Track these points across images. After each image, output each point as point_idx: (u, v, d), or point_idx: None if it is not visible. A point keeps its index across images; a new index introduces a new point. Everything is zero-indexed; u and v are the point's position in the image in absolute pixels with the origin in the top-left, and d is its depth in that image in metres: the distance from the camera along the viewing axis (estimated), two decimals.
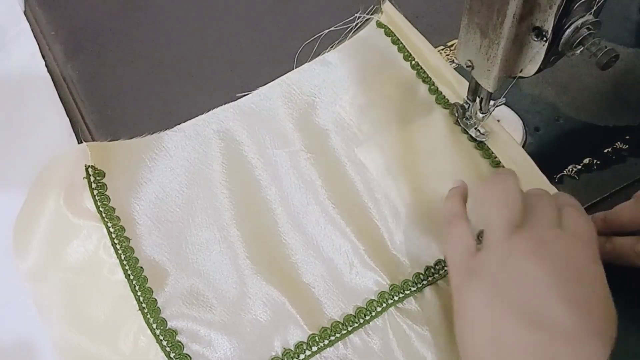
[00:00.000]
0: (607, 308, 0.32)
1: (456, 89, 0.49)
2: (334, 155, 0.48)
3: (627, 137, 0.48)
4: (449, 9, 0.55)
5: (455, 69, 0.50)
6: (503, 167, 0.46)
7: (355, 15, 0.53)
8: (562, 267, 0.32)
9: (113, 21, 0.59)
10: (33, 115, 0.53)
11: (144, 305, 0.41)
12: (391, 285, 0.42)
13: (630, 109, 0.49)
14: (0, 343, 0.43)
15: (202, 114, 0.50)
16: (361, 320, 0.41)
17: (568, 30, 0.35)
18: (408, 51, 0.52)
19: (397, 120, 0.49)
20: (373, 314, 0.41)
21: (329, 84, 0.51)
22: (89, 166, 0.46)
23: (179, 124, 0.49)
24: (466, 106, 0.46)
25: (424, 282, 0.42)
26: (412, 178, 0.46)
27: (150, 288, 0.42)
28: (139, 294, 0.42)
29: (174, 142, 0.49)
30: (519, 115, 0.49)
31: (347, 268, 0.43)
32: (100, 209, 0.45)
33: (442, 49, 0.53)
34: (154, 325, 0.41)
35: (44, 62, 0.56)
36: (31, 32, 0.58)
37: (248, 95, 0.51)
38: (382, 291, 0.42)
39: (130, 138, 0.48)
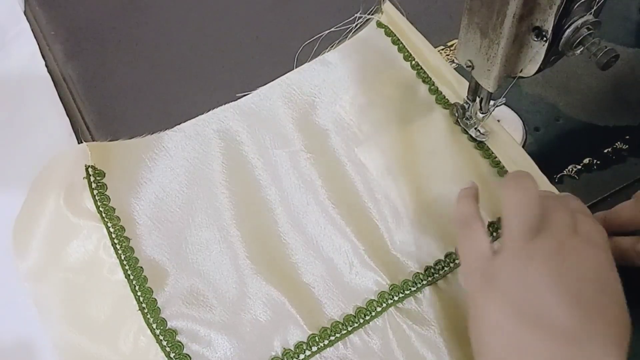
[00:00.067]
0: (624, 315, 0.32)
1: (456, 89, 0.49)
2: (334, 155, 0.48)
3: (627, 137, 0.48)
4: (449, 9, 0.55)
5: (455, 69, 0.50)
6: (503, 167, 0.46)
7: (356, 15, 0.53)
8: (582, 275, 0.32)
9: (113, 21, 0.59)
10: (33, 115, 0.53)
11: (144, 305, 0.41)
12: (391, 285, 0.42)
13: (630, 109, 0.49)
14: (0, 343, 0.43)
15: (202, 114, 0.50)
16: (361, 320, 0.41)
17: (568, 30, 0.35)
18: (408, 51, 0.52)
19: (397, 120, 0.49)
20: (373, 314, 0.41)
21: (329, 84, 0.51)
22: (89, 166, 0.46)
23: (179, 124, 0.49)
24: (466, 106, 0.46)
25: (424, 282, 0.42)
26: (412, 178, 0.46)
27: (150, 288, 0.42)
28: (139, 294, 0.42)
29: (174, 142, 0.49)
30: (519, 115, 0.49)
31: (347, 268, 0.43)
32: (100, 209, 0.45)
33: (442, 49, 0.53)
34: (154, 325, 0.41)
35: (44, 62, 0.56)
36: (31, 32, 0.58)
37: (248, 95, 0.51)
38: (382, 291, 0.42)
39: (130, 138, 0.48)
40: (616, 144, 0.47)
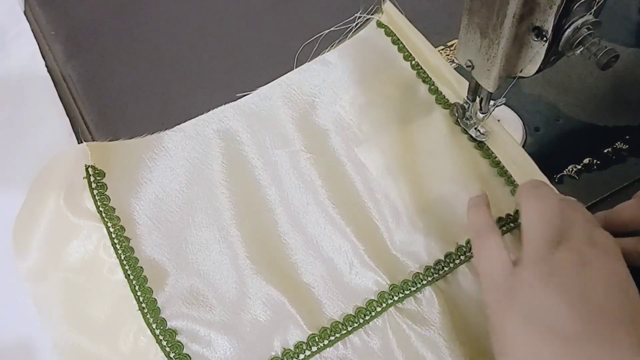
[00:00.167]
0: None
1: (456, 89, 0.49)
2: (334, 155, 0.48)
3: (627, 137, 0.48)
4: (449, 9, 0.55)
5: (455, 69, 0.50)
6: (503, 167, 0.46)
7: (356, 15, 0.53)
8: (605, 287, 0.32)
9: (113, 21, 0.59)
10: (33, 115, 0.53)
11: (143, 305, 0.41)
12: (391, 285, 0.42)
13: (630, 109, 0.49)
14: (0, 343, 0.43)
15: (202, 114, 0.50)
16: (361, 320, 0.41)
17: (568, 30, 0.35)
18: (408, 51, 0.52)
19: (397, 120, 0.49)
20: (373, 314, 0.41)
21: (329, 84, 0.51)
22: (89, 166, 0.46)
23: (179, 124, 0.49)
24: (466, 106, 0.46)
25: (424, 282, 0.42)
26: (412, 178, 0.46)
27: (150, 288, 0.42)
28: (138, 294, 0.42)
29: (174, 142, 0.49)
30: (519, 115, 0.49)
31: (347, 268, 0.43)
32: (100, 208, 0.45)
33: (442, 49, 0.53)
34: (154, 325, 0.41)
35: (44, 62, 0.56)
36: (31, 32, 0.58)
37: (248, 95, 0.51)
38: (381, 291, 0.42)
39: (130, 138, 0.48)
40: (616, 144, 0.47)
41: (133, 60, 0.56)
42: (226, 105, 0.50)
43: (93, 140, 0.50)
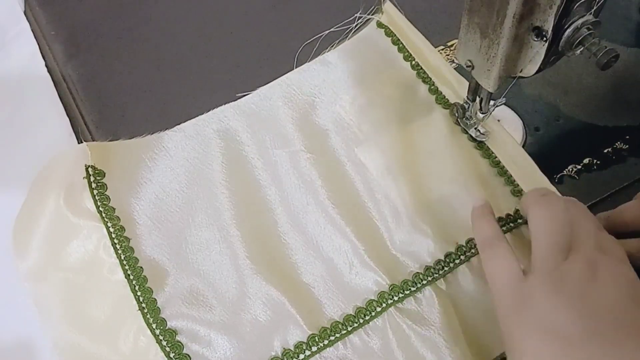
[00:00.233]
0: None
1: (456, 89, 0.49)
2: (334, 155, 0.48)
3: (627, 137, 0.48)
4: (449, 9, 0.55)
5: (455, 69, 0.50)
6: (503, 167, 0.46)
7: (356, 15, 0.53)
8: (617, 295, 0.32)
9: (113, 21, 0.59)
10: (33, 115, 0.53)
11: (143, 305, 0.41)
12: (391, 285, 0.42)
13: (630, 109, 0.49)
14: (0, 343, 0.43)
15: (202, 114, 0.50)
16: (361, 320, 0.41)
17: (568, 30, 0.35)
18: (408, 51, 0.52)
19: (397, 120, 0.49)
20: (373, 314, 0.41)
21: (329, 84, 0.51)
22: (89, 166, 0.46)
23: (179, 124, 0.49)
24: (466, 106, 0.46)
25: (424, 282, 0.42)
26: (412, 178, 0.46)
27: (150, 288, 0.42)
28: (138, 294, 0.42)
29: (174, 142, 0.49)
30: (519, 115, 0.49)
31: (347, 268, 0.43)
32: (100, 208, 0.45)
33: (442, 49, 0.53)
34: (154, 325, 0.41)
35: (44, 62, 0.56)
36: (31, 32, 0.58)
37: (248, 95, 0.51)
38: (381, 291, 0.42)
39: (130, 138, 0.48)
40: (616, 144, 0.47)
41: (133, 60, 0.56)
42: (226, 105, 0.50)
43: (93, 140, 0.50)
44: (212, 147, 0.48)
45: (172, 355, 0.40)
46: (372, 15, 0.54)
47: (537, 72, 0.38)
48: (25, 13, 0.60)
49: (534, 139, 0.48)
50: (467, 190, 0.44)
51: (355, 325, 0.41)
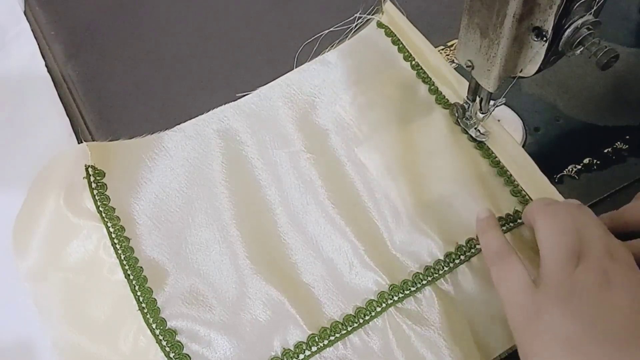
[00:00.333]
0: None
1: (456, 89, 0.49)
2: (334, 155, 0.48)
3: (627, 137, 0.48)
4: (449, 9, 0.55)
5: (455, 69, 0.50)
6: (503, 167, 0.46)
7: (356, 15, 0.53)
8: (630, 303, 0.31)
9: (113, 21, 0.59)
10: (33, 115, 0.53)
11: (143, 305, 0.41)
12: (391, 285, 0.42)
13: (630, 109, 0.49)
14: (0, 343, 0.43)
15: (202, 114, 0.50)
16: (361, 321, 0.41)
17: (568, 30, 0.35)
18: (408, 51, 0.52)
19: (397, 120, 0.49)
20: (373, 314, 0.41)
21: (329, 84, 0.51)
22: (89, 166, 0.46)
23: (179, 124, 0.50)
24: (466, 106, 0.46)
25: (424, 282, 0.42)
26: (412, 178, 0.46)
27: (150, 288, 0.42)
28: (138, 294, 0.42)
29: (174, 142, 0.49)
30: (519, 115, 0.49)
31: (346, 268, 0.43)
32: (100, 208, 0.45)
33: (442, 49, 0.53)
34: (154, 325, 0.41)
35: (44, 62, 0.56)
36: (31, 32, 0.58)
37: (248, 95, 0.51)
38: (381, 291, 0.42)
39: (130, 138, 0.48)
40: (616, 144, 0.47)
41: (133, 60, 0.56)
42: (226, 105, 0.50)
43: (93, 140, 0.50)
44: (212, 147, 0.48)
45: (172, 355, 0.40)
46: (372, 15, 0.54)
47: (537, 72, 0.38)
48: (25, 13, 0.60)
49: (534, 139, 0.48)
50: (467, 190, 0.44)
51: (355, 325, 0.41)
